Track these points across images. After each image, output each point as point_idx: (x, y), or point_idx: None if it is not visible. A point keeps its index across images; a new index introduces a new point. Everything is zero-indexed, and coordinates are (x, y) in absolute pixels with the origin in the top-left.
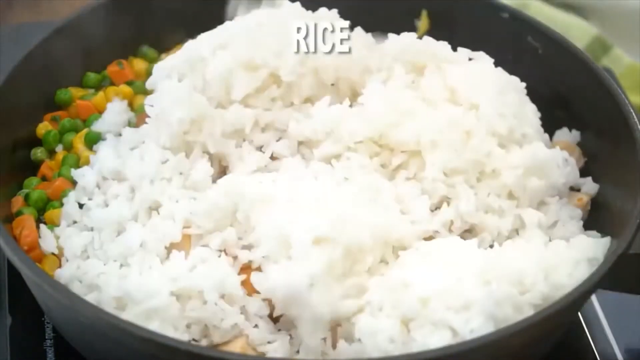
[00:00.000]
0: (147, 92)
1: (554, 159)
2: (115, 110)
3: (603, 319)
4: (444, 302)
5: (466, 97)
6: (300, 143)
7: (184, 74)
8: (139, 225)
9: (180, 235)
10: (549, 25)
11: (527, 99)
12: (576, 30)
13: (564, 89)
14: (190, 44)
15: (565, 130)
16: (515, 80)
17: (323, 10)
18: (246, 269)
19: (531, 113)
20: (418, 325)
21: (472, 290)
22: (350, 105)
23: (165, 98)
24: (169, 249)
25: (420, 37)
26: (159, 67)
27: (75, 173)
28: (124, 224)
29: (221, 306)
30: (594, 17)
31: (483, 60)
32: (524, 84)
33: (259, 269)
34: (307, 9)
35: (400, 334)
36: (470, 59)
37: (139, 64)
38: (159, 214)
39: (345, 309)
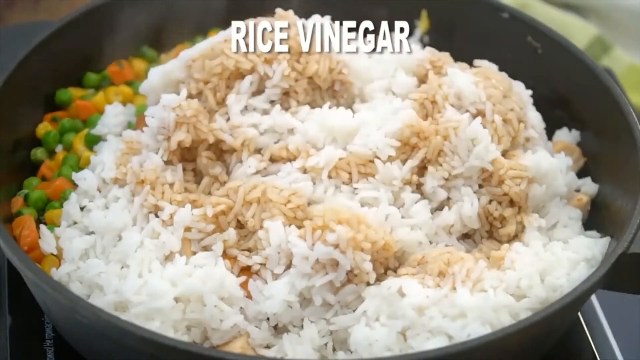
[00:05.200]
0: None
1: (558, 166)
2: (114, 113)
3: (603, 319)
4: (440, 310)
5: (471, 103)
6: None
7: (180, 80)
8: (138, 229)
9: (180, 244)
10: (549, 25)
11: (532, 107)
12: (576, 30)
13: (564, 89)
14: (185, 52)
15: (565, 130)
16: (520, 85)
17: (316, 17)
18: (246, 270)
19: (536, 120)
20: (414, 333)
21: (468, 298)
22: (353, 112)
23: (166, 115)
24: (169, 255)
25: (420, 37)
26: (155, 72)
27: (76, 176)
28: (124, 230)
29: (221, 307)
30: (594, 17)
31: (487, 67)
32: (529, 91)
33: (258, 273)
34: (308, 10)
35: (396, 343)
36: (474, 66)
37: (138, 64)
38: (157, 217)
39: (340, 323)
